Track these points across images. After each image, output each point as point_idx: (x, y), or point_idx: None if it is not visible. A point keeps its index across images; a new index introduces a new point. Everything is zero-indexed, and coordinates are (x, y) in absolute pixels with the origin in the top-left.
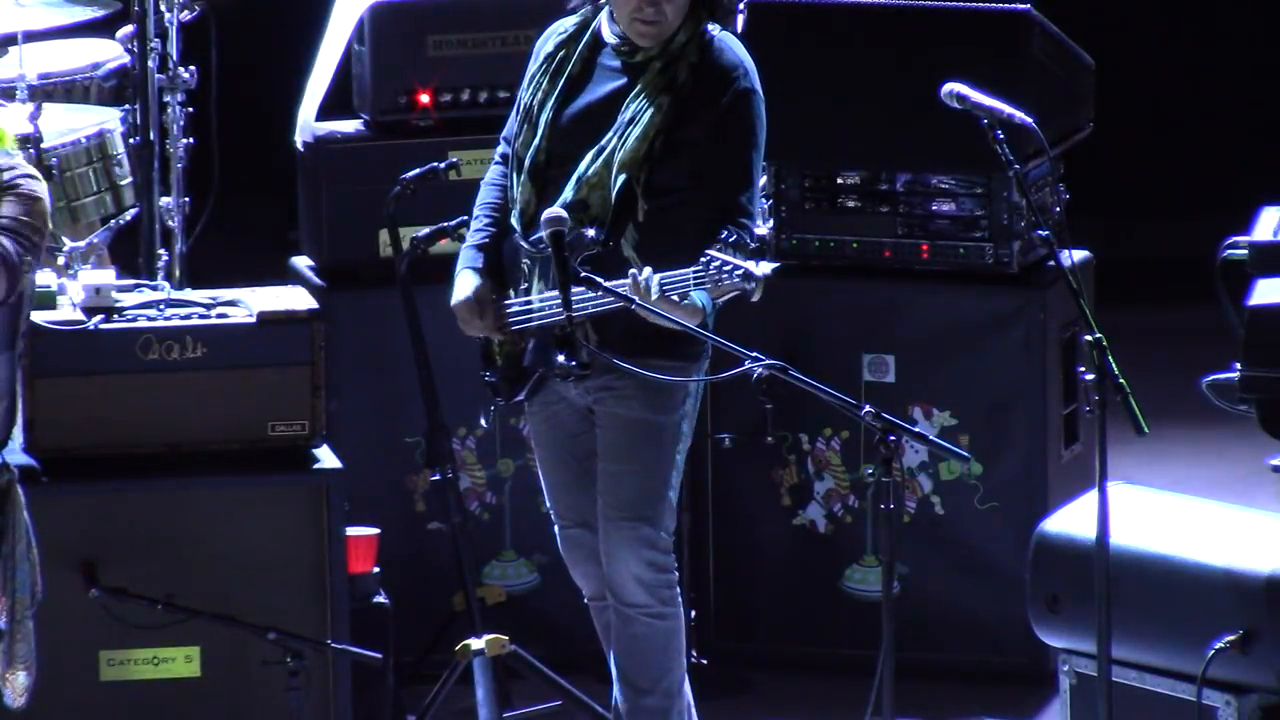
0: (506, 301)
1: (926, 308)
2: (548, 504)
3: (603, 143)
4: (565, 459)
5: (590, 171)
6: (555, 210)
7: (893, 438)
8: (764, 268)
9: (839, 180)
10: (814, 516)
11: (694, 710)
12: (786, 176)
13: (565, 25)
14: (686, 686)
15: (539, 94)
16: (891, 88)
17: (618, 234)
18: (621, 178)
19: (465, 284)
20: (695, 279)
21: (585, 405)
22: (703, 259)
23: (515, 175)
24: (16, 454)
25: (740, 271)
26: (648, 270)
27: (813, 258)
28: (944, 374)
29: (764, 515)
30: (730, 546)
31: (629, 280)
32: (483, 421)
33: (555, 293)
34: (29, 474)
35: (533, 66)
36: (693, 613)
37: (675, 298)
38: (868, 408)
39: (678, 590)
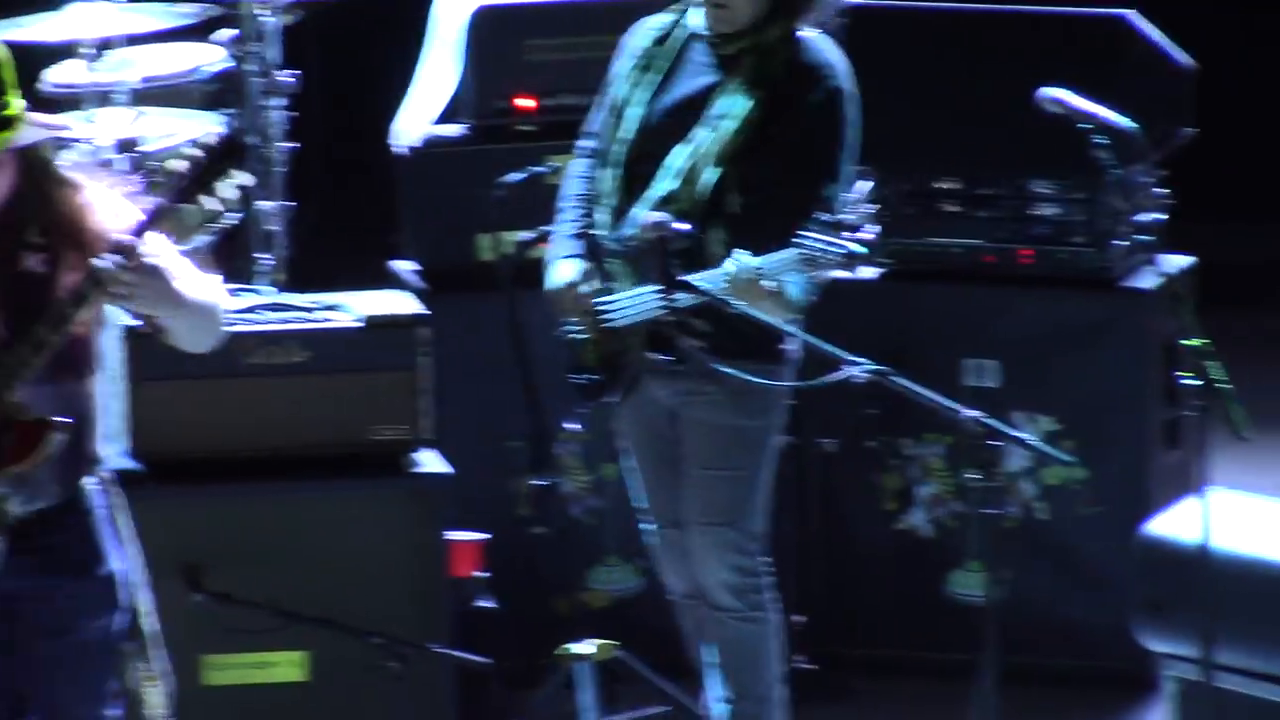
0: (595, 299)
1: (1028, 312)
2: (642, 503)
3: (693, 136)
4: (656, 459)
5: (681, 165)
6: (657, 214)
7: (995, 443)
8: (865, 233)
9: (940, 185)
10: (917, 521)
11: (787, 715)
12: (888, 181)
13: (657, 20)
14: (781, 691)
15: (629, 88)
16: (991, 92)
17: (706, 229)
18: (713, 171)
19: (562, 270)
20: (791, 260)
21: (672, 408)
22: (797, 240)
23: (602, 169)
24: (120, 458)
25: (842, 250)
26: (744, 255)
27: (914, 262)
28: (1046, 378)
29: (867, 520)
30: (834, 551)
31: (724, 273)
32: (578, 426)
33: (644, 289)
34: (132, 478)
35: (623, 61)
36: (796, 617)
37: (771, 285)
38: (971, 412)
39: (768, 595)
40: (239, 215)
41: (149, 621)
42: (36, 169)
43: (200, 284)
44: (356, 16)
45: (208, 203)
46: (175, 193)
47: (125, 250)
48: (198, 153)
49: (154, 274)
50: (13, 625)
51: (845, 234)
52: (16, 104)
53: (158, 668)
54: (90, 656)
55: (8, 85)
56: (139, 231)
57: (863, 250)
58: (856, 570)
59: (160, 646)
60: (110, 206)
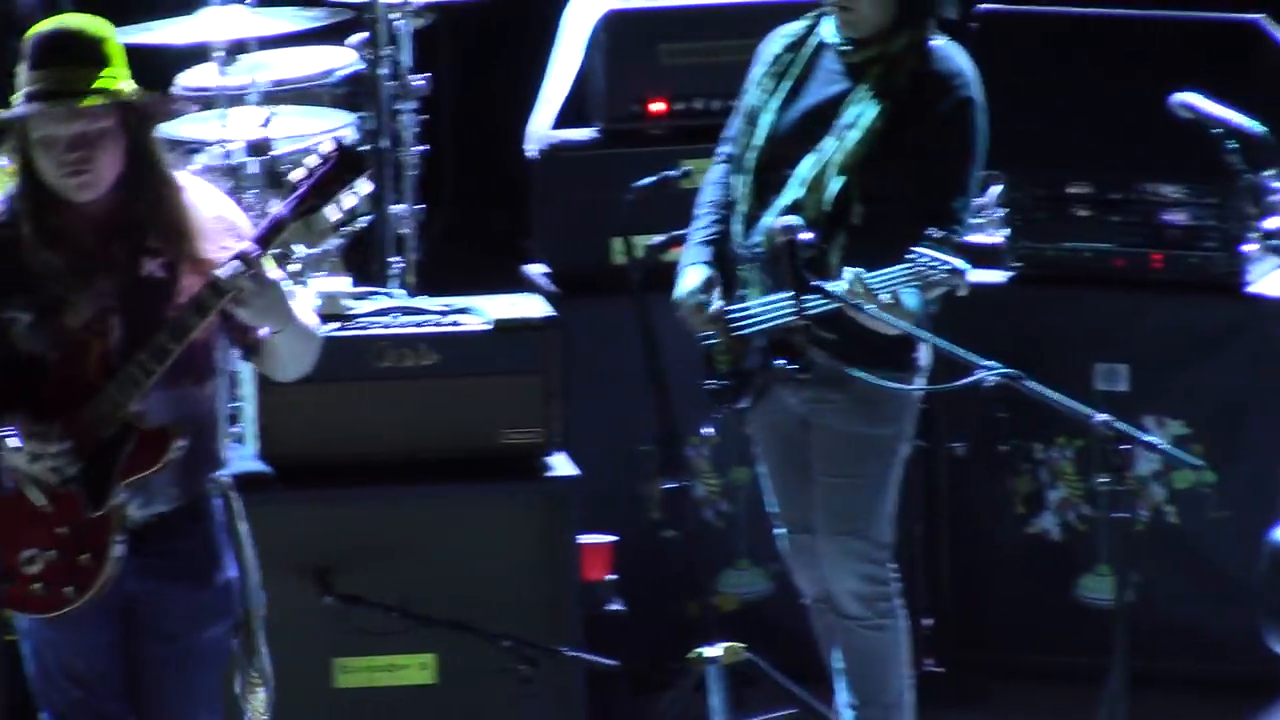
0: (728, 306)
1: (1158, 316)
2: (773, 508)
3: (821, 145)
4: (787, 465)
5: (808, 174)
6: (788, 219)
7: (1125, 446)
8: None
9: (1071, 190)
10: (1048, 525)
11: None
12: (1019, 186)
13: (791, 28)
14: (908, 697)
15: (762, 95)
16: (1123, 97)
17: (829, 238)
18: (837, 181)
19: (692, 277)
20: (903, 275)
21: (802, 415)
22: (909, 255)
23: (737, 176)
24: (250, 461)
25: (947, 267)
26: (855, 270)
27: (1045, 267)
28: (1176, 383)
29: (998, 524)
30: (964, 555)
31: (840, 286)
32: (711, 431)
33: (776, 296)
34: (262, 482)
35: (757, 68)
36: (925, 620)
37: (886, 298)
38: (1101, 416)
39: (896, 602)
40: (369, 219)
41: (259, 625)
42: (144, 160)
43: (304, 308)
44: (488, 19)
45: (329, 212)
46: (296, 202)
47: (247, 259)
48: (318, 162)
49: (273, 285)
50: (129, 625)
51: (959, 251)
52: (120, 77)
53: (263, 671)
54: (199, 662)
55: (111, 59)
56: (261, 241)
57: (970, 268)
58: (986, 574)
59: (266, 650)
60: (225, 213)
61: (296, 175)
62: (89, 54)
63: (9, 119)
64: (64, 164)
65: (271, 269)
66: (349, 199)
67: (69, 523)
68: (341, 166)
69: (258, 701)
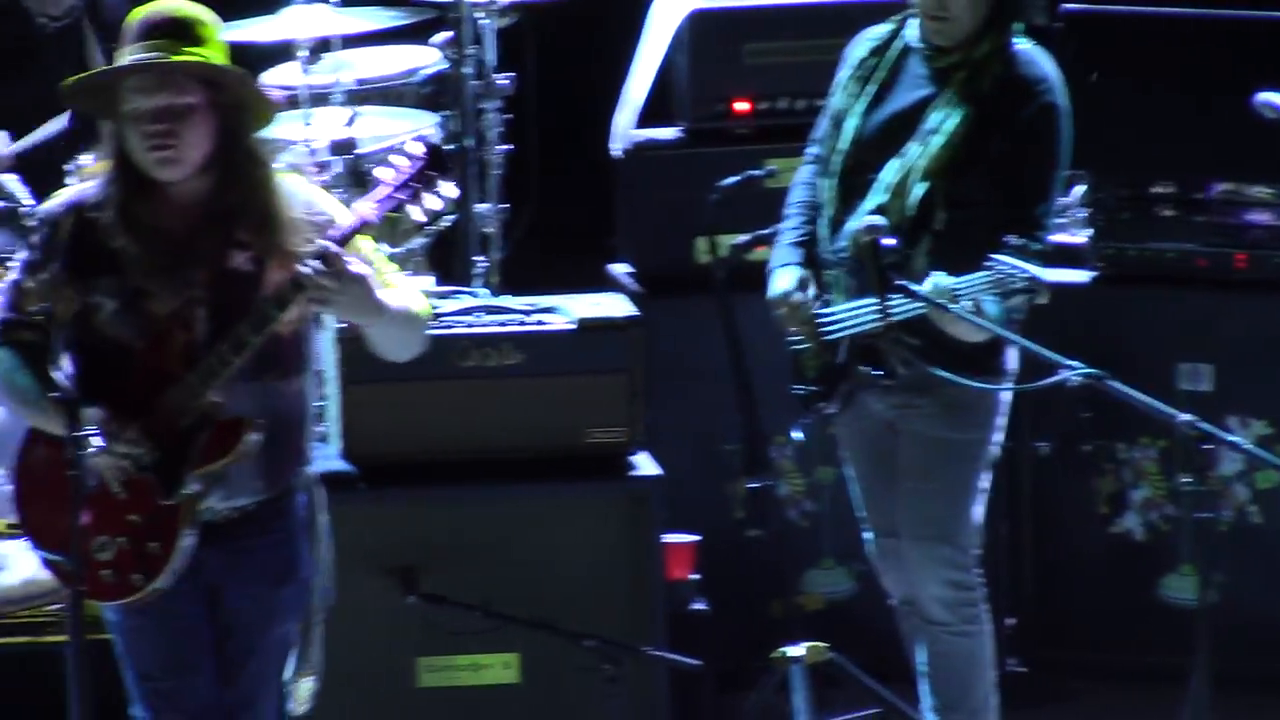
0: (816, 311)
1: (1242, 316)
2: (860, 511)
3: (905, 150)
4: (874, 471)
5: (892, 179)
6: (872, 218)
7: (1209, 446)
8: (1058, 274)
9: (1154, 190)
10: (1131, 525)
11: None
12: (1103, 186)
13: (877, 31)
14: (993, 701)
15: (848, 99)
16: (1206, 97)
17: (913, 243)
18: (921, 186)
19: (784, 278)
20: (983, 283)
21: (889, 420)
22: (988, 264)
23: (823, 179)
24: (334, 460)
25: (1027, 276)
26: (941, 275)
27: (1128, 266)
28: (1260, 383)
29: (1081, 523)
30: (1048, 554)
31: (928, 289)
32: (798, 435)
33: (862, 301)
34: (345, 481)
35: (843, 71)
36: (1008, 619)
37: (967, 305)
38: (1184, 416)
39: (982, 608)
40: (453, 218)
41: (320, 618)
42: (236, 144)
43: (404, 293)
44: (572, 18)
45: (413, 212)
46: (383, 202)
47: (328, 257)
48: (404, 163)
49: (355, 282)
50: (214, 612)
51: (1041, 259)
52: (213, 59)
53: (315, 662)
54: (268, 654)
55: (206, 42)
56: (343, 239)
57: (1050, 280)
58: (1069, 573)
59: (321, 641)
60: (315, 208)
61: (382, 174)
62: (183, 32)
63: (93, 80)
64: (149, 136)
65: (355, 265)
66: (434, 201)
67: (141, 510)
68: (428, 168)
69: (304, 690)
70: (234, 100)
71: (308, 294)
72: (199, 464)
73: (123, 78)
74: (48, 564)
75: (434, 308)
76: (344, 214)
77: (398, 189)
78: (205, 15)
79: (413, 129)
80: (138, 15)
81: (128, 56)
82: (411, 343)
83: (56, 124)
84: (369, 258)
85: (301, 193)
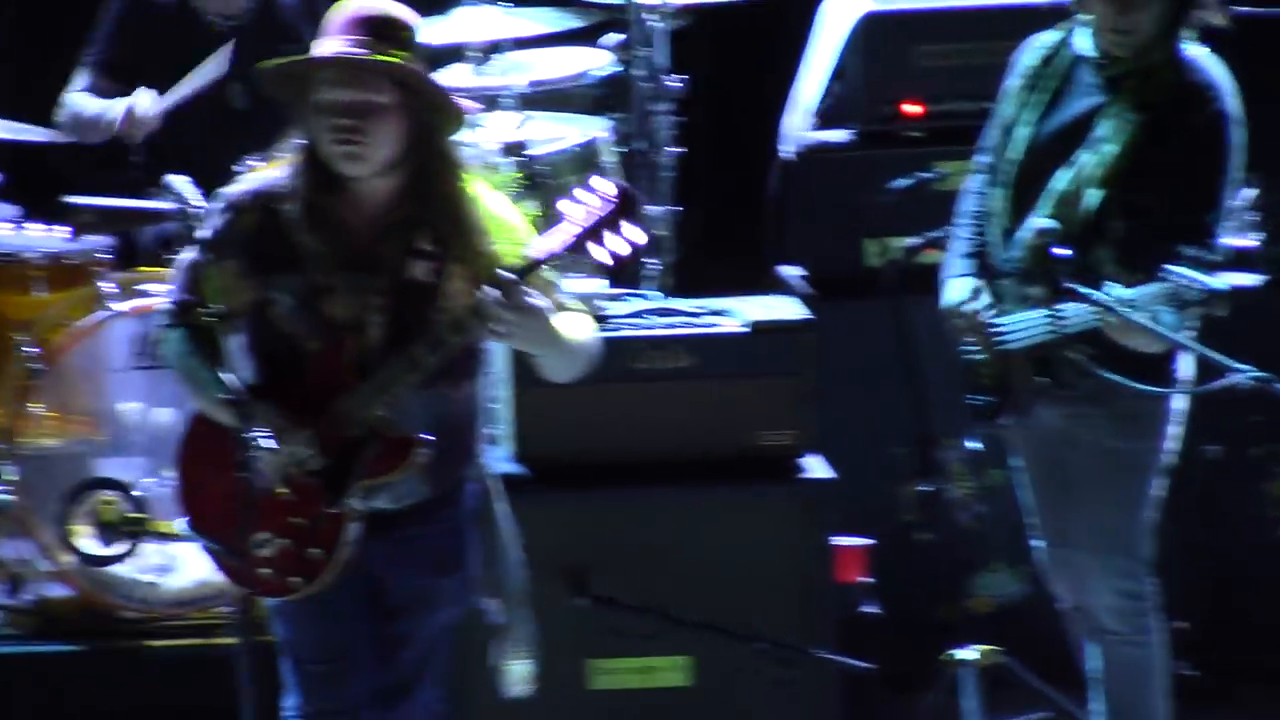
0: (989, 321)
1: None
2: (1031, 519)
3: (1077, 159)
4: (1047, 480)
5: (1064, 188)
6: (1044, 222)
7: None
8: (1231, 279)
9: None
10: None
11: None
12: (1274, 189)
13: (1046, 39)
14: (1166, 708)
15: (1017, 108)
16: None
17: (1086, 252)
18: (1093, 195)
19: (956, 289)
20: (1160, 295)
21: (1062, 430)
22: (1163, 274)
23: (994, 188)
24: (506, 462)
25: (1203, 288)
26: (1116, 286)
27: None
28: None
29: (1251, 527)
30: (1217, 557)
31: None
32: (972, 444)
33: (1036, 312)
34: (517, 482)
35: (1012, 80)
36: (1179, 623)
37: (1142, 318)
38: None
39: (1155, 617)
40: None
41: (520, 600)
42: (427, 148)
43: (577, 323)
44: (744, 20)
45: (596, 253)
46: (567, 240)
47: (508, 289)
48: (594, 202)
49: (533, 315)
50: (376, 600)
51: (1214, 268)
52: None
53: (525, 644)
54: (430, 643)
55: (406, 45)
56: (524, 272)
57: (1226, 289)
58: (1240, 577)
59: (529, 624)
60: (504, 226)
61: (571, 211)
62: (384, 31)
63: (288, 68)
64: (336, 130)
65: (534, 299)
66: (619, 245)
67: (305, 514)
68: (619, 212)
69: (517, 672)
70: (426, 104)
71: (485, 323)
72: (365, 476)
73: (317, 69)
74: (207, 550)
75: (604, 310)
76: (529, 242)
77: (585, 229)
78: (408, 18)
79: (584, 132)
80: (343, 8)
81: (326, 49)
82: (576, 370)
83: (207, 73)
84: (547, 288)
85: (492, 208)
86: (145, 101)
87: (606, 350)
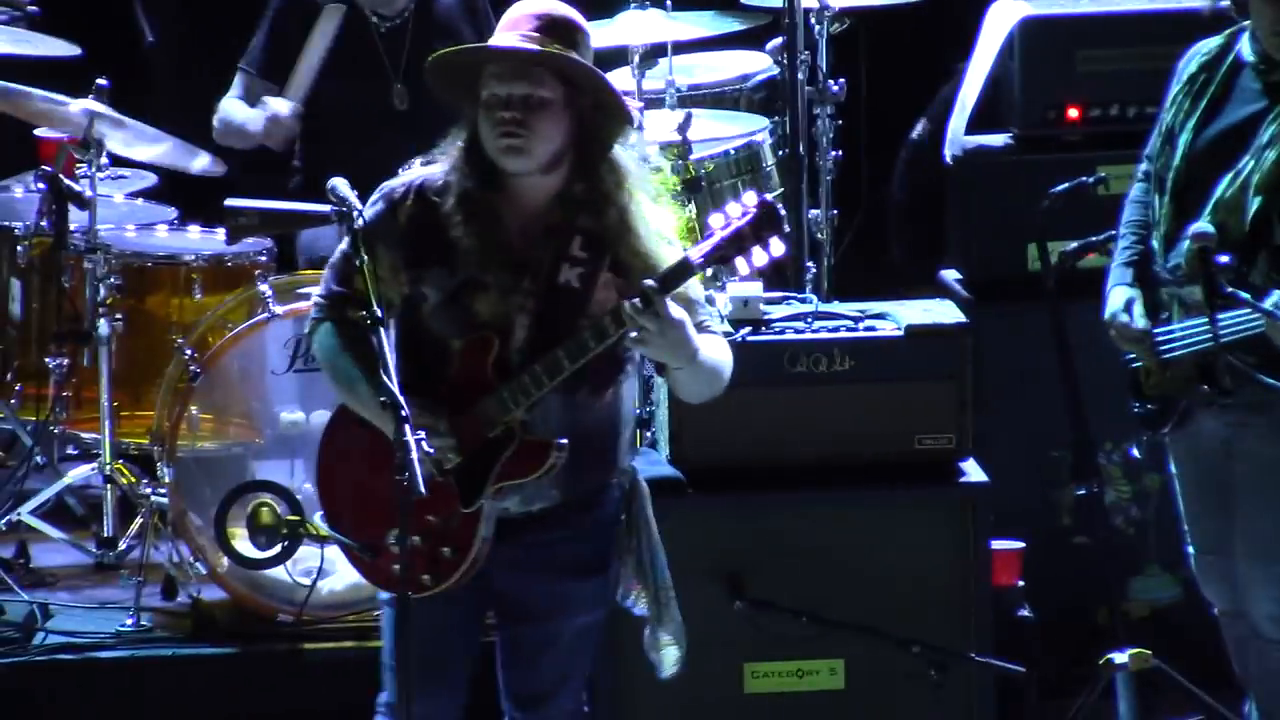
0: (1153, 329)
1: None
2: (1184, 526)
3: (1239, 165)
4: (1205, 488)
5: (1226, 195)
6: (1203, 225)
7: None
8: None
9: None
10: None
11: None
12: None
13: (1208, 45)
14: None
15: (1179, 114)
16: None
17: (1249, 260)
18: (1256, 201)
19: (1113, 299)
20: None
21: (1224, 439)
22: None
23: (1156, 196)
24: (663, 466)
25: None
26: (1278, 295)
27: None
28: None
29: None
30: None
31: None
32: (1134, 453)
33: (1198, 320)
34: (674, 486)
35: (1175, 86)
36: None
37: None
38: None
39: None
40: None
41: (664, 597)
42: (591, 148)
43: (716, 344)
44: (905, 24)
45: (739, 266)
46: (710, 252)
47: (650, 298)
48: (739, 212)
49: (674, 327)
50: (499, 610)
51: None
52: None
53: (675, 634)
54: (568, 646)
55: (577, 45)
56: (666, 281)
57: None
58: None
59: (678, 616)
60: (658, 233)
61: (716, 223)
62: (556, 30)
63: (455, 58)
64: (500, 123)
65: (675, 310)
66: (761, 257)
67: (440, 513)
68: (760, 223)
69: (668, 658)
70: (593, 102)
71: (626, 331)
72: (500, 479)
73: (484, 61)
74: (343, 548)
75: (762, 313)
76: (678, 252)
77: (728, 240)
78: (580, 20)
79: (745, 134)
80: (516, 7)
81: (496, 43)
82: (708, 393)
83: (316, 51)
84: (691, 301)
85: (649, 213)
86: (281, 108)
87: (765, 354)
